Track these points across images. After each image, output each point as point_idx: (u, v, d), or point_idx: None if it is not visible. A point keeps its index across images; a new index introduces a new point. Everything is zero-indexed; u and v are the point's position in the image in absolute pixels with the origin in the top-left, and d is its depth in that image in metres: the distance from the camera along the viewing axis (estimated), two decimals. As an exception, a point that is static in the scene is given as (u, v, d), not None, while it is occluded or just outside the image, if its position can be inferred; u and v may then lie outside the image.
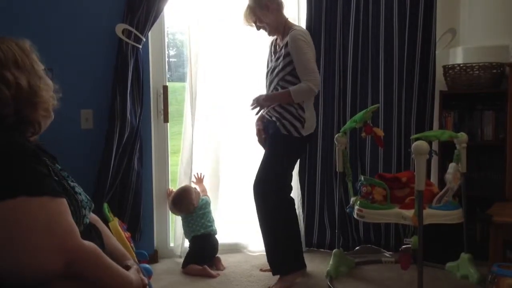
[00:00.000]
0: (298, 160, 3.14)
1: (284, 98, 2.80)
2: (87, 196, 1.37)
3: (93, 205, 1.39)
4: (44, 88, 1.26)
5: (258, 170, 2.89)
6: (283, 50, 2.82)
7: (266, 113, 2.92)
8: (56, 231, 1.09)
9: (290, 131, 2.81)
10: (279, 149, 2.86)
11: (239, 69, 3.35)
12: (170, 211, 3.31)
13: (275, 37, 2.99)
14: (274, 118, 2.87)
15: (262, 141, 3.02)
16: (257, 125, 3.02)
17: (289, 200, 2.98)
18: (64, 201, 1.15)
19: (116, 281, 1.20)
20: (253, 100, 2.90)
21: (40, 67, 1.30)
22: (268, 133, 2.96)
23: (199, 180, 3.38)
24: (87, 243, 1.15)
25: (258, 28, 2.94)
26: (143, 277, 1.37)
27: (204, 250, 3.13)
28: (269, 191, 2.84)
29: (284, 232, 2.88)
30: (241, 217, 3.39)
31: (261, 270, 3.08)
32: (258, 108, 2.90)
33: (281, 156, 2.86)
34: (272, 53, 2.98)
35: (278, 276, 2.86)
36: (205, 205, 3.23)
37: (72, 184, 1.31)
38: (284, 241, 2.87)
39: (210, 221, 3.21)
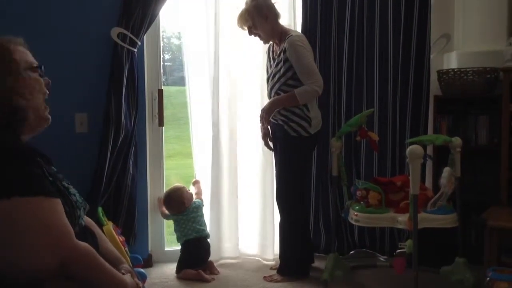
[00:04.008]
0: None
1: (289, 101, 2.82)
2: (82, 197, 1.37)
3: (87, 206, 1.39)
4: (29, 85, 1.27)
5: (279, 182, 2.98)
6: (282, 56, 2.84)
7: (272, 117, 2.93)
8: (51, 231, 1.09)
9: (298, 131, 2.85)
10: (292, 152, 2.90)
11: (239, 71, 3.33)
12: (161, 214, 3.29)
13: (271, 42, 3.00)
14: (280, 122, 2.89)
15: (269, 144, 3.03)
16: (262, 128, 3.03)
17: (306, 206, 3.13)
18: (58, 201, 1.15)
19: (111, 282, 1.20)
20: (261, 112, 2.94)
21: (29, 64, 1.29)
22: (275, 136, 2.98)
23: (196, 181, 3.37)
24: (82, 243, 1.15)
25: (251, 33, 2.94)
26: (138, 281, 1.36)
27: (196, 254, 3.12)
28: (293, 198, 2.94)
29: (298, 237, 2.98)
30: (237, 220, 3.39)
31: (271, 268, 3.16)
32: (265, 117, 2.92)
33: (296, 159, 2.91)
34: (271, 59, 2.99)
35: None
36: (197, 208, 3.22)
37: (66, 185, 1.31)
38: (297, 246, 2.98)
39: (202, 224, 3.20)
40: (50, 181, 1.20)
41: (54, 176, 1.26)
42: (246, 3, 2.89)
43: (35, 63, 1.32)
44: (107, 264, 1.21)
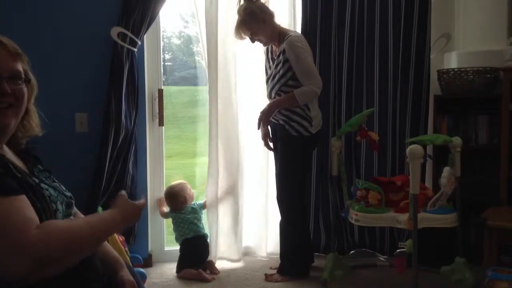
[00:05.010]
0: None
1: (289, 102, 2.83)
2: (61, 191, 1.34)
3: (66, 198, 1.34)
4: None
5: (279, 181, 2.97)
6: (281, 57, 2.84)
7: (273, 117, 2.93)
8: (10, 233, 1.04)
9: (299, 131, 2.85)
10: (293, 152, 2.90)
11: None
12: (160, 214, 3.29)
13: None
14: (281, 121, 2.89)
15: (269, 144, 3.03)
16: (263, 129, 3.02)
17: (306, 206, 3.14)
18: (18, 198, 1.11)
19: (96, 229, 1.19)
20: (260, 114, 2.93)
21: None
22: (275, 136, 2.98)
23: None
24: (42, 226, 1.10)
25: (254, 41, 2.94)
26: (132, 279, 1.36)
27: (195, 253, 3.12)
28: (293, 198, 2.94)
29: (298, 237, 2.99)
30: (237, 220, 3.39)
31: (271, 268, 3.15)
32: (264, 120, 2.91)
33: (297, 159, 2.91)
34: (270, 60, 2.99)
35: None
36: (196, 210, 3.22)
37: (37, 180, 1.27)
38: (297, 245, 2.98)
39: (200, 224, 3.21)
40: (19, 177, 1.16)
41: (23, 171, 1.23)
42: (239, 14, 2.87)
43: None
44: (75, 222, 1.18)
